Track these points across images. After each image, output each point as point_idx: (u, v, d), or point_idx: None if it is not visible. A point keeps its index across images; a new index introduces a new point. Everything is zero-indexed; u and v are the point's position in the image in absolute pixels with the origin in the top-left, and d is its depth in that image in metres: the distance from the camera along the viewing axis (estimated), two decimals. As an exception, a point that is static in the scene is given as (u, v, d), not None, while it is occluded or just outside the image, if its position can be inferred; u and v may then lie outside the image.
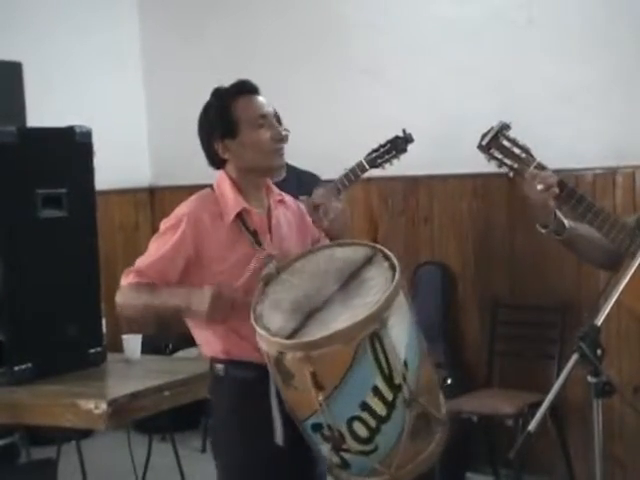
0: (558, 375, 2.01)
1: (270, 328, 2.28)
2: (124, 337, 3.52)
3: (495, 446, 4.41)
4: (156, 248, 2.51)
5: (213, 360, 2.55)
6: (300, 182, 3.92)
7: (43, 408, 3.10)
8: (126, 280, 2.51)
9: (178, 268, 2.47)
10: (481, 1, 4.65)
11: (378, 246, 2.45)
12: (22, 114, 3.57)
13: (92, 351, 3.44)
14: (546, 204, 2.45)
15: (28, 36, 5.06)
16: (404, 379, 2.26)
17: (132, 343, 3.50)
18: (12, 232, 3.26)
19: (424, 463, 2.39)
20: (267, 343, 2.27)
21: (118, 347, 3.52)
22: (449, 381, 4.44)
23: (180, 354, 4.87)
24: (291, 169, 4.03)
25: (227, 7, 5.52)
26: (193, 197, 2.58)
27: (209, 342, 2.54)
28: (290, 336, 2.24)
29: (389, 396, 2.24)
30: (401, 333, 2.28)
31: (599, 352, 1.97)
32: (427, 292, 4.71)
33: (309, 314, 2.28)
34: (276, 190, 2.66)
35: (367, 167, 3.81)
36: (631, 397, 4.16)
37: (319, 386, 2.20)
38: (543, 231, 2.50)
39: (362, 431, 2.26)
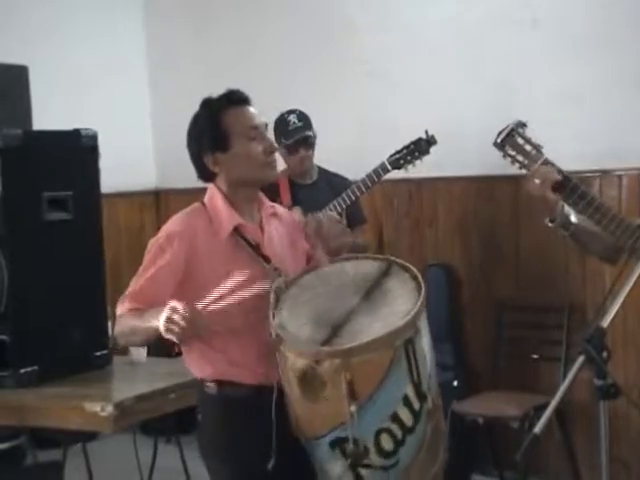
0: (564, 377, 2.01)
1: (300, 338, 2.23)
2: (130, 339, 3.52)
3: (501, 448, 4.40)
4: (146, 269, 2.42)
5: (203, 380, 2.49)
6: (330, 185, 3.93)
7: (49, 410, 3.11)
8: (120, 309, 2.43)
9: (169, 289, 2.38)
10: (485, 2, 4.65)
11: (392, 258, 2.44)
12: (28, 117, 3.57)
13: (98, 353, 3.44)
14: (545, 197, 2.46)
15: (34, 39, 5.08)
16: (429, 389, 2.27)
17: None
18: (18, 235, 3.27)
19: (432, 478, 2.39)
20: (299, 352, 2.22)
21: (124, 350, 3.52)
22: (455, 383, 4.44)
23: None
24: (322, 172, 4.05)
25: (233, 9, 5.52)
26: (183, 213, 2.49)
27: (199, 365, 2.49)
28: (324, 345, 2.21)
29: (417, 406, 2.25)
30: (427, 343, 2.30)
31: (605, 354, 1.97)
32: (432, 294, 4.66)
33: (336, 326, 2.25)
34: (268, 202, 2.59)
35: (389, 168, 3.82)
36: (637, 399, 4.15)
37: (354, 395, 2.18)
38: (550, 225, 2.52)
39: (388, 444, 2.25)
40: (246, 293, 2.39)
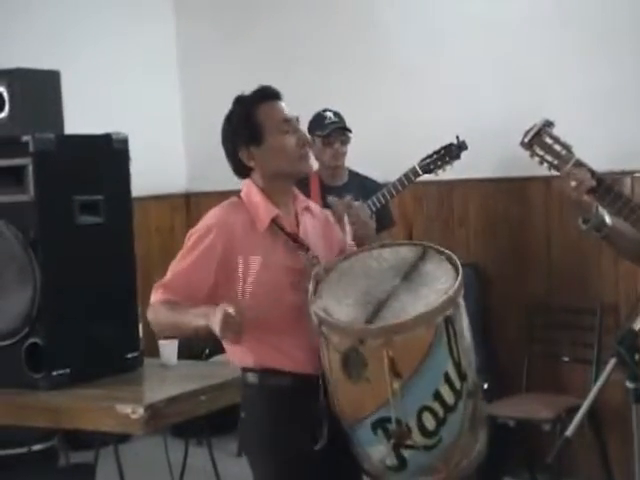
0: (596, 379, 2.00)
1: (342, 319, 2.27)
2: (161, 342, 3.54)
3: (533, 451, 4.37)
4: (182, 260, 2.47)
5: (245, 369, 2.53)
6: (361, 187, 3.94)
7: (81, 412, 3.12)
8: (155, 297, 2.47)
9: (207, 280, 2.43)
10: (516, 1, 4.63)
11: (427, 243, 2.51)
12: (60, 121, 3.60)
13: (129, 356, 3.46)
14: (579, 200, 2.45)
15: (65, 44, 5.12)
16: (469, 366, 2.31)
17: (169, 348, 3.52)
18: (50, 239, 3.29)
19: (475, 460, 2.42)
20: (343, 332, 2.26)
21: (155, 352, 3.54)
22: (485, 386, 4.41)
23: (217, 359, 4.89)
24: (353, 174, 4.06)
25: (264, 10, 5.53)
26: (221, 206, 2.54)
27: (240, 353, 2.51)
28: (367, 323, 2.25)
29: (457, 384, 2.28)
30: (466, 322, 2.37)
31: (637, 357, 1.95)
32: (463, 295, 4.68)
33: (378, 305, 2.30)
34: (301, 196, 2.64)
35: (420, 173, 3.87)
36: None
37: (397, 373, 2.22)
38: (584, 227, 2.50)
39: (430, 422, 2.27)
40: (285, 282, 2.43)
